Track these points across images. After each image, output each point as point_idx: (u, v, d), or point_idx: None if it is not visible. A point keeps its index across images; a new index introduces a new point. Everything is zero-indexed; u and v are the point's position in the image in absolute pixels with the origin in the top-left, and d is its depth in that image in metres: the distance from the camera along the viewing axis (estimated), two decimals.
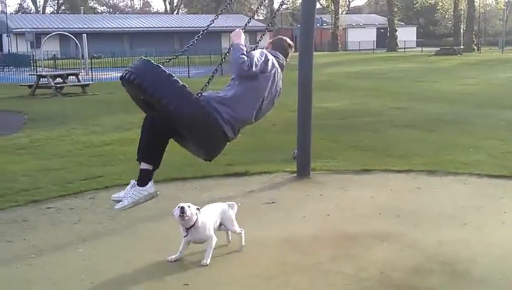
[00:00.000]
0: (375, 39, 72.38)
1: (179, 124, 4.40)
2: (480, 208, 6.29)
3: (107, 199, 6.88)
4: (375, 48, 68.41)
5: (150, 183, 4.69)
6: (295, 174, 7.95)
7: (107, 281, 4.60)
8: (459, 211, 6.17)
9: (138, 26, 64.08)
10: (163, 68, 4.30)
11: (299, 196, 7.00)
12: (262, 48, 5.05)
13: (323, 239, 5.46)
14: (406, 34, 68.11)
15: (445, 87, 21.35)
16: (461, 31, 60.47)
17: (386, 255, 4.95)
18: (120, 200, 4.69)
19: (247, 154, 9.44)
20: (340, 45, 68.10)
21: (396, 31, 64.58)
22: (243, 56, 4.60)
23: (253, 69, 4.58)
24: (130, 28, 63.27)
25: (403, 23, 74.56)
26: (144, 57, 4.42)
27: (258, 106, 4.72)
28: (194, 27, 64.31)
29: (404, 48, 61.70)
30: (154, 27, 64.30)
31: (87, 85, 22.69)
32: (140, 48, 51.88)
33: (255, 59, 4.64)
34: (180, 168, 8.41)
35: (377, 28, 75.17)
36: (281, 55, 5.00)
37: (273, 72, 4.76)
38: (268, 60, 4.76)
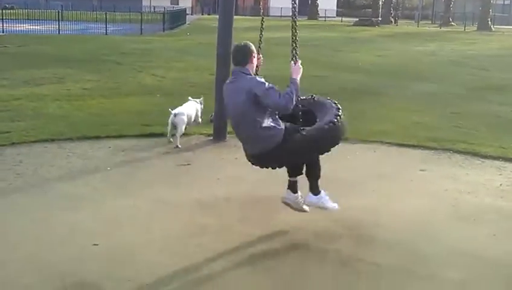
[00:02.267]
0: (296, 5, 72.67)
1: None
2: (388, 176, 6.50)
3: (14, 156, 6.66)
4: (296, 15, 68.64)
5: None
6: (211, 138, 7.93)
7: (11, 239, 4.45)
8: (368, 178, 6.36)
9: None
10: None
11: (214, 159, 7.00)
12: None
13: (235, 201, 5.50)
14: (327, 3, 68.56)
15: (362, 57, 21.77)
16: (380, 3, 61.63)
17: (295, 218, 5.03)
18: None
19: (165, 115, 9.31)
20: (262, 10, 67.88)
21: None
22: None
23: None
24: None
25: None
26: None
27: None
28: None
29: (325, 17, 62.31)
30: None
31: None
32: (56, 1, 49.75)
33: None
34: (95, 127, 8.22)
35: None
36: None
37: None
38: None
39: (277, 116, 4.52)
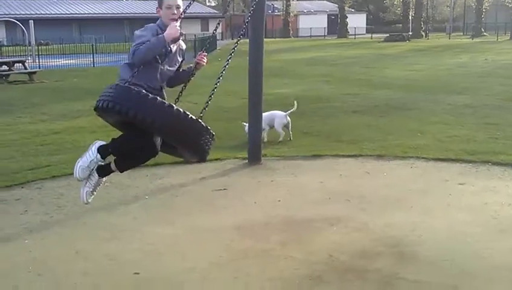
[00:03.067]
0: (326, 26, 72.90)
1: (168, 137, 4.25)
2: (426, 191, 6.44)
3: (54, 189, 6.80)
4: (326, 34, 68.89)
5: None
6: (246, 161, 7.97)
7: (55, 272, 4.52)
8: (406, 194, 6.31)
9: (87, 12, 62.72)
10: (135, 88, 4.07)
11: (250, 183, 7.02)
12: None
13: (273, 225, 5.49)
14: (356, 21, 68.78)
15: (394, 73, 21.69)
16: (410, 17, 61.41)
17: (334, 239, 5.02)
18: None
19: None
20: (291, 32, 68.34)
21: (346, 17, 65.12)
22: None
23: None
24: (78, 13, 61.89)
25: (353, 10, 75.30)
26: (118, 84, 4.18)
27: None
28: (144, 13, 63.42)
29: (355, 35, 62.33)
30: (104, 13, 63.04)
31: (34, 72, 22.13)
32: (89, 35, 50.90)
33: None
34: None
35: (328, 15, 75.67)
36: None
37: None
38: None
39: None
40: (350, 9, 71.98)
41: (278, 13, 70.31)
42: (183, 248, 4.99)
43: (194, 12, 66.25)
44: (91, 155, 4.52)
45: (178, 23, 4.32)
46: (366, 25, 76.06)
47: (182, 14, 4.38)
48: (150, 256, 4.79)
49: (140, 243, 5.09)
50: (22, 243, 5.14)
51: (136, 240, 5.16)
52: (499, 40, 45.76)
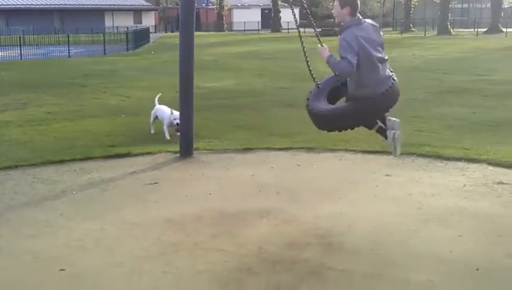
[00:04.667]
0: (259, 20, 73.15)
1: None
2: (354, 182, 6.58)
3: None
4: (260, 28, 69.14)
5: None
6: (178, 155, 7.91)
7: None
8: (335, 186, 6.43)
9: (15, 3, 60.59)
10: None
11: (181, 176, 6.98)
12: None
13: (204, 218, 5.48)
14: (289, 15, 69.15)
15: (324, 68, 21.96)
16: None
17: (264, 231, 5.06)
18: None
19: (130, 135, 9.29)
20: (225, 25, 68.28)
21: (280, 11, 65.55)
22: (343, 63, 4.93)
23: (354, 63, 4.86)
24: (6, 4, 59.68)
25: (286, 4, 75.82)
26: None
27: None
28: (76, 4, 61.95)
29: (288, 29, 62.82)
30: (32, 4, 61.06)
31: None
32: (17, 26, 49.23)
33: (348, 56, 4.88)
34: (57, 151, 8.15)
35: (262, 9, 75.92)
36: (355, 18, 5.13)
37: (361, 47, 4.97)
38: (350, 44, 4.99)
39: None
40: (283, 3, 72.47)
41: (212, 7, 70.06)
42: (112, 242, 4.91)
43: (127, 5, 65.27)
44: None
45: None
46: (300, 19, 76.86)
47: None
48: (76, 252, 4.69)
49: (67, 239, 4.98)
50: None
51: (63, 236, 5.05)
52: (426, 35, 47.16)
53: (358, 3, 5.13)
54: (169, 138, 8.77)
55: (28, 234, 5.08)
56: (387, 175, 6.78)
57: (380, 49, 5.08)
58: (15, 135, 9.54)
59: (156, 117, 9.23)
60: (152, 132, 9.16)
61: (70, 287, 4.10)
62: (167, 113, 8.90)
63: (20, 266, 4.45)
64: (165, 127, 8.96)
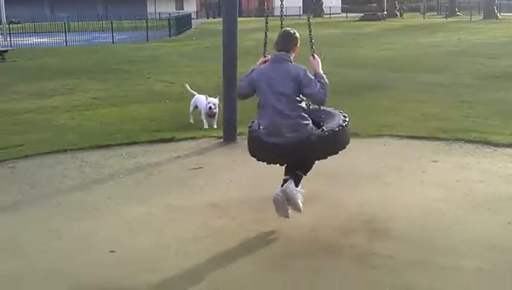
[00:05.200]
0: (301, 5, 72.58)
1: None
2: (400, 168, 6.50)
3: (27, 168, 6.73)
4: (301, 13, 68.66)
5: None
6: (222, 140, 7.95)
7: (29, 251, 4.49)
8: (380, 172, 6.36)
9: None
10: None
11: (225, 161, 7.02)
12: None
13: (249, 203, 5.51)
14: (331, 0, 68.63)
15: (368, 52, 21.74)
16: None
17: (310, 216, 5.04)
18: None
19: (175, 120, 9.37)
20: (267, 11, 67.93)
21: None
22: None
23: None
24: None
25: None
26: None
27: None
28: None
29: (330, 14, 62.28)
30: None
31: (6, 51, 21.77)
32: (61, 13, 50.09)
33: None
34: (104, 135, 8.29)
35: None
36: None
37: None
38: None
39: None
40: None
41: None
42: (158, 226, 4.99)
43: None
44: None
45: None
46: (342, 4, 75.96)
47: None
48: (125, 234, 4.78)
49: (115, 221, 5.08)
50: None
51: (111, 219, 5.15)
52: (472, 19, 46.09)
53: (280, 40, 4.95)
54: (207, 127, 8.76)
55: (78, 217, 5.19)
56: (433, 161, 6.69)
57: None
58: (62, 120, 9.74)
59: (196, 107, 9.20)
60: (191, 121, 9.14)
61: (121, 267, 4.17)
62: (204, 102, 8.91)
63: (71, 247, 4.56)
64: (203, 116, 8.94)
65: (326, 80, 4.72)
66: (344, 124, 4.86)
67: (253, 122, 5.06)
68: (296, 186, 4.72)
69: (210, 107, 8.61)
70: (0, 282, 4.01)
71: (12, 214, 5.30)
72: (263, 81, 4.71)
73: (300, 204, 4.69)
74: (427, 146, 7.38)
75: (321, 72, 4.80)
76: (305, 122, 4.61)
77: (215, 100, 8.65)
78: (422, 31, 32.16)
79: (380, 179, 6.09)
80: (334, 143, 4.75)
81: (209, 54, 20.52)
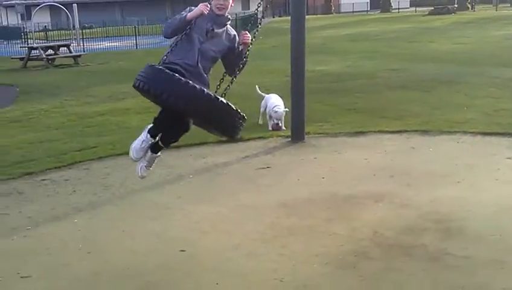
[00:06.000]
0: (368, 0, 71.65)
1: (200, 120, 4.48)
2: (473, 165, 6.31)
3: (101, 170, 6.93)
4: (368, 9, 67.77)
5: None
6: (289, 139, 7.95)
7: (104, 250, 4.63)
8: (453, 169, 6.20)
9: None
10: (167, 71, 4.18)
11: (293, 160, 7.01)
12: None
13: (318, 202, 5.48)
14: None
15: (439, 46, 21.22)
16: None
17: (380, 216, 4.98)
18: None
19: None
20: (333, 8, 67.44)
21: None
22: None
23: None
24: None
25: None
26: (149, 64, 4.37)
27: None
28: None
29: (398, 9, 61.15)
30: None
31: (79, 56, 22.52)
32: (131, 17, 51.39)
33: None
34: None
35: None
36: None
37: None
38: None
39: None
40: None
41: None
42: (228, 225, 5.03)
43: None
44: (142, 137, 4.78)
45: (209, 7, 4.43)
46: None
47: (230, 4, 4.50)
48: (195, 234, 4.85)
49: (185, 221, 5.15)
50: (72, 222, 5.27)
51: (182, 218, 5.23)
52: None
53: None
54: (271, 128, 8.61)
55: (149, 217, 5.31)
56: (508, 158, 6.45)
57: None
58: (135, 122, 9.96)
59: (266, 108, 9.02)
60: (260, 122, 9.03)
61: (191, 267, 4.23)
62: (270, 103, 8.74)
63: (144, 246, 4.66)
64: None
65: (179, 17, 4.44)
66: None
67: None
68: None
69: (277, 124, 8.48)
70: (77, 281, 4.14)
71: (87, 215, 5.47)
72: None
73: None
74: (501, 142, 7.14)
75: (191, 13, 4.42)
76: None
77: (282, 112, 8.46)
78: (495, 24, 31.11)
79: (453, 177, 5.93)
80: None
81: (276, 53, 20.53)
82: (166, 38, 4.58)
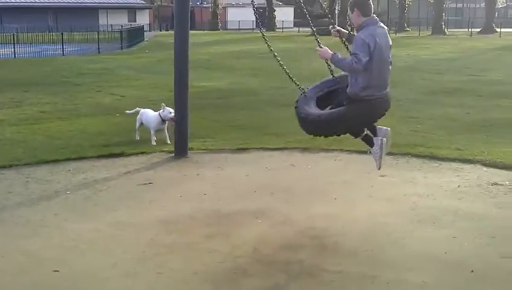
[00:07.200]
0: (254, 19, 73.12)
1: None
2: (349, 182, 6.58)
3: None
4: (254, 27, 69.10)
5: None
6: (173, 154, 7.90)
7: None
8: (330, 186, 6.42)
9: (8, 0, 60.30)
10: None
11: (176, 176, 6.97)
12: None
13: (199, 218, 5.48)
14: (284, 14, 69.23)
15: (319, 66, 21.96)
16: (336, 12, 62.46)
17: (259, 232, 5.06)
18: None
19: (125, 134, 9.24)
20: (220, 24, 68.12)
21: (274, 10, 65.48)
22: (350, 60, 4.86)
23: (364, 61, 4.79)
24: None
25: (280, 3, 75.76)
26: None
27: None
28: (70, 3, 61.73)
29: (282, 28, 62.82)
30: (26, 2, 60.78)
31: None
32: (10, 24, 49.04)
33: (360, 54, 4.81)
34: (51, 150, 8.12)
35: (256, 8, 75.78)
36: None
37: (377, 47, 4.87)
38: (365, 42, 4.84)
39: None
40: (278, 2, 72.44)
41: (207, 5, 69.93)
42: (106, 243, 4.90)
43: (121, 3, 65.10)
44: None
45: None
46: (294, 18, 76.76)
47: None
48: (71, 253, 4.68)
49: (61, 239, 4.96)
50: None
51: (57, 236, 5.03)
52: (420, 35, 47.21)
53: (370, 3, 5.07)
54: (155, 143, 8.47)
55: (22, 234, 5.06)
56: (382, 175, 6.76)
57: (389, 52, 5.08)
58: (9, 133, 9.50)
59: (142, 123, 8.81)
60: (137, 138, 8.84)
61: (65, 288, 4.08)
62: (153, 116, 8.58)
63: (13, 266, 4.43)
64: (152, 132, 8.60)
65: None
66: None
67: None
68: None
69: (171, 119, 8.18)
70: None
71: None
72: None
73: None
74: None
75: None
76: None
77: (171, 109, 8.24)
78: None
79: (329, 194, 6.14)
80: None
81: (162, 67, 20.40)
82: None
